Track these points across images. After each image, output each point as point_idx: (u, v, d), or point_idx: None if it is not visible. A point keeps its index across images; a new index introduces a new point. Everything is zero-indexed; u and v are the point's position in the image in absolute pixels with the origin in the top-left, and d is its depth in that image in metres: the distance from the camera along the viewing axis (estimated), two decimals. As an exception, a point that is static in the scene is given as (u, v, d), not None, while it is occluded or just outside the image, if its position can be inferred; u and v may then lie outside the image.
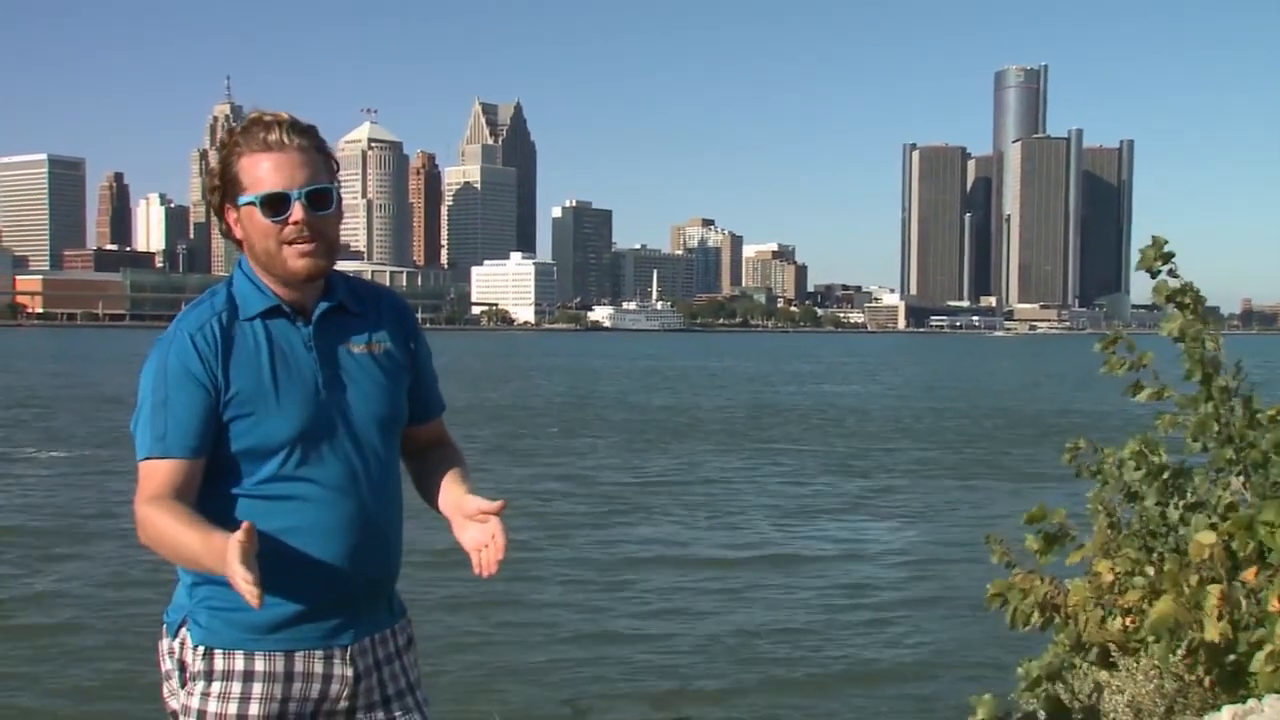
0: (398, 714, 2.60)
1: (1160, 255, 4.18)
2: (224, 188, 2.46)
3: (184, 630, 2.49)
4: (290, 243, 2.43)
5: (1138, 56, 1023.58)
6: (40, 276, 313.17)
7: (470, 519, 2.53)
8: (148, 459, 2.38)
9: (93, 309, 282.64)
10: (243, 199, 2.44)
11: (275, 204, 2.42)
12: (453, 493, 2.62)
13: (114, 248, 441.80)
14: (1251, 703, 3.12)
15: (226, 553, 2.15)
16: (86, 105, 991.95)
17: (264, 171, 2.41)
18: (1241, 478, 4.05)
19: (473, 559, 2.52)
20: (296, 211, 2.42)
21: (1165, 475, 4.19)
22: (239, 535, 2.15)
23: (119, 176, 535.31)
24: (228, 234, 2.51)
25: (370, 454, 2.53)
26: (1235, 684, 3.39)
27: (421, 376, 2.70)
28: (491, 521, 2.49)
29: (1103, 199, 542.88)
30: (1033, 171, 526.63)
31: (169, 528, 2.32)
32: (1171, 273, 4.21)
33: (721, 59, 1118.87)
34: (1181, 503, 4.11)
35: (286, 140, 2.42)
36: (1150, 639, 3.44)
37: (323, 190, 2.45)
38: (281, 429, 2.42)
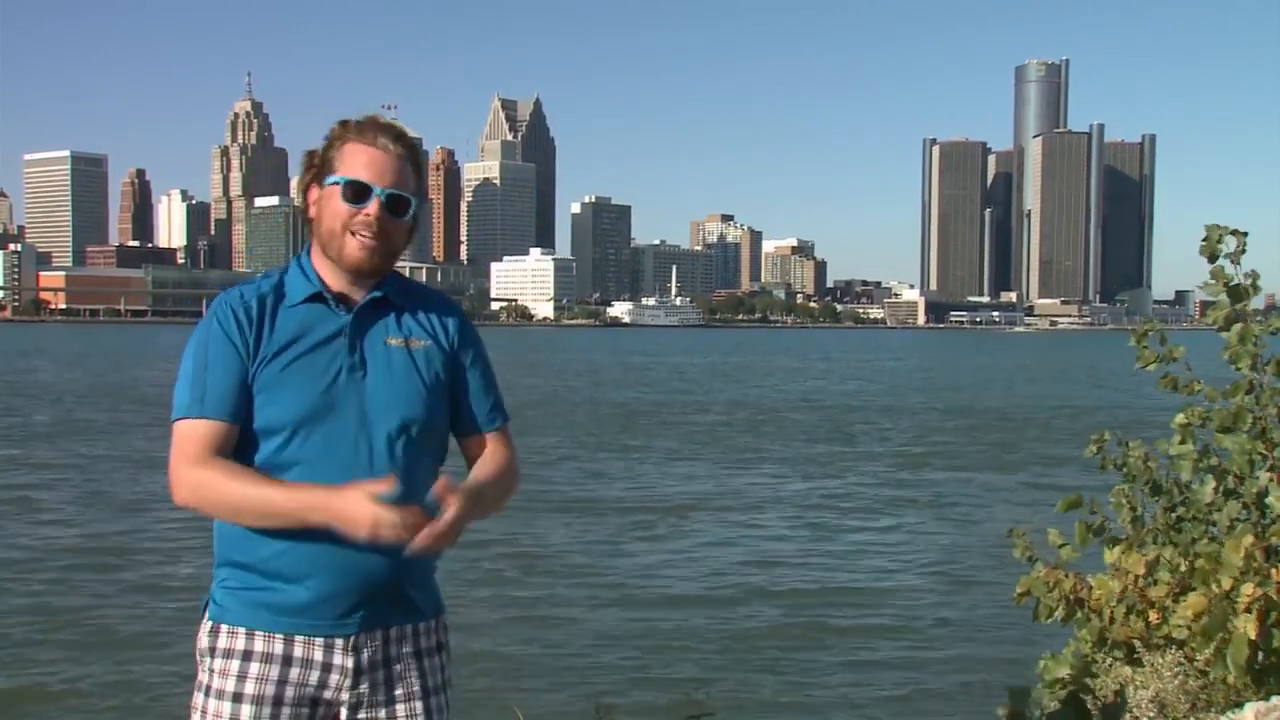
0: (401, 715, 2.56)
1: (1227, 238, 4.04)
2: (319, 168, 2.58)
3: (206, 610, 2.58)
4: (355, 232, 2.53)
5: (1160, 50, 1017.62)
6: (63, 273, 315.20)
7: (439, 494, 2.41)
8: (184, 419, 2.45)
9: (115, 305, 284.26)
10: (330, 179, 2.55)
11: (357, 191, 2.52)
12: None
13: (136, 244, 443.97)
14: (1275, 699, 3.11)
15: (335, 503, 2.31)
16: (108, 102, 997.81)
17: (359, 162, 2.54)
18: (1271, 473, 4.01)
19: (399, 517, 2.33)
20: (373, 206, 2.52)
21: (1205, 457, 4.17)
22: (372, 493, 2.30)
23: (141, 173, 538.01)
24: (305, 212, 2.63)
25: (382, 446, 2.50)
26: (1261, 682, 3.37)
27: (467, 386, 2.68)
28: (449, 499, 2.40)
29: (1124, 194, 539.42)
30: (1054, 166, 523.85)
31: (239, 486, 2.38)
32: (1234, 261, 4.09)
33: (741, 55, 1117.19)
34: (1221, 487, 4.08)
35: (390, 145, 2.56)
36: (1184, 635, 3.41)
37: (402, 197, 2.56)
38: (285, 411, 2.46)
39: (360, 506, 2.28)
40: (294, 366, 2.49)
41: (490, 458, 2.68)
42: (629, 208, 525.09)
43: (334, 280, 2.58)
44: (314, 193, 2.59)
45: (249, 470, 2.41)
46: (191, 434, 2.43)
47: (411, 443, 2.53)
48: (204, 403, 2.43)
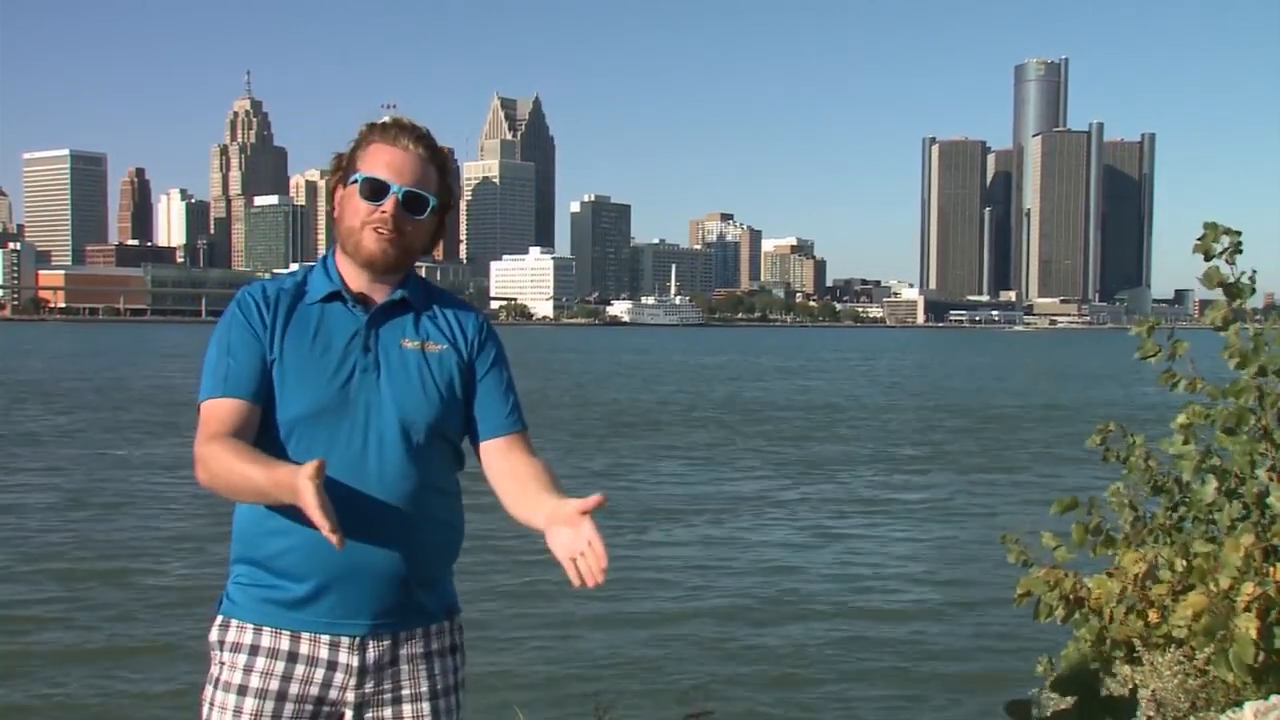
0: (407, 715, 2.57)
1: (1222, 238, 4.00)
2: (345, 170, 2.63)
3: (221, 605, 2.62)
4: (373, 228, 2.56)
5: (1159, 49, 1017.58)
6: (63, 272, 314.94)
7: (564, 524, 2.40)
8: (209, 400, 2.49)
9: (114, 304, 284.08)
10: (351, 178, 2.60)
11: (375, 188, 2.56)
12: (543, 500, 2.52)
13: (135, 243, 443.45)
14: (1274, 699, 3.14)
15: (295, 481, 2.21)
16: (108, 101, 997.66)
17: (380, 161, 2.58)
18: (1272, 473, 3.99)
19: (568, 569, 2.36)
20: (389, 203, 2.56)
21: (1207, 458, 4.15)
22: (309, 472, 2.19)
23: (140, 172, 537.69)
24: (332, 212, 2.68)
25: (390, 448, 2.51)
26: (1261, 681, 3.39)
27: (484, 391, 2.67)
28: (584, 524, 2.38)
29: (1124, 193, 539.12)
30: (1053, 165, 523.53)
31: (232, 461, 2.38)
32: (1228, 260, 4.04)
33: (741, 55, 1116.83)
34: (1221, 487, 4.07)
35: (410, 146, 2.60)
36: (1184, 634, 3.42)
37: (420, 195, 2.59)
38: (293, 406, 2.49)
39: (306, 498, 2.21)
40: (307, 363, 2.51)
41: (530, 460, 2.65)
42: (628, 207, 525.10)
43: (355, 281, 2.61)
44: (339, 193, 2.64)
45: (251, 448, 2.41)
46: (212, 413, 2.47)
47: (419, 446, 2.54)
48: (227, 382, 2.48)
